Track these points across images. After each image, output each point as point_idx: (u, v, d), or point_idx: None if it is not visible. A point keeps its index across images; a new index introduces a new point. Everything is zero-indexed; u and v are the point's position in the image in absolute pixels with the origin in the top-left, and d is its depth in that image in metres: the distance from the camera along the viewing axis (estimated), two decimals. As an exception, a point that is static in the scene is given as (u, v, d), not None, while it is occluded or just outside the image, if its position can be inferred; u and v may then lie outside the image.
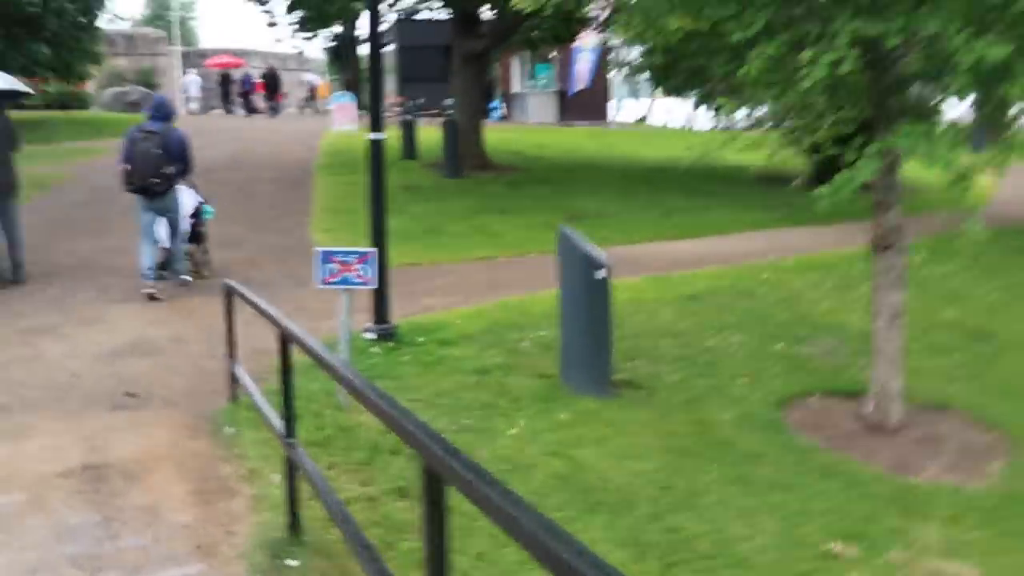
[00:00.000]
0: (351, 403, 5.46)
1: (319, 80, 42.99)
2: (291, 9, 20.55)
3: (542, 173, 17.85)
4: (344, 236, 11.31)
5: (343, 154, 20.56)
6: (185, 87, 36.23)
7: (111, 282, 9.10)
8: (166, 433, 5.27)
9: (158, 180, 8.32)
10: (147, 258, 8.43)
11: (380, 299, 6.99)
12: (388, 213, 12.49)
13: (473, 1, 17.44)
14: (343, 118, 24.97)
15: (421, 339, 7.10)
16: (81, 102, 35.35)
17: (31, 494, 4.50)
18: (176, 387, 6.16)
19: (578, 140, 26.55)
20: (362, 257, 5.59)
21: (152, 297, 8.32)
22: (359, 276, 5.56)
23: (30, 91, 9.72)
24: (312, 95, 41.33)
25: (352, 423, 5.23)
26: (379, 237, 6.98)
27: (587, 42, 30.30)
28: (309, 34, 32.71)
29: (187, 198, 9.29)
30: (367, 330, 6.93)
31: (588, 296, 6.05)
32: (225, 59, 39.48)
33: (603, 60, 32.64)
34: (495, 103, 35.56)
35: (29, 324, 7.53)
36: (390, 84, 36.95)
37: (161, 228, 8.74)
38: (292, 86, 42.24)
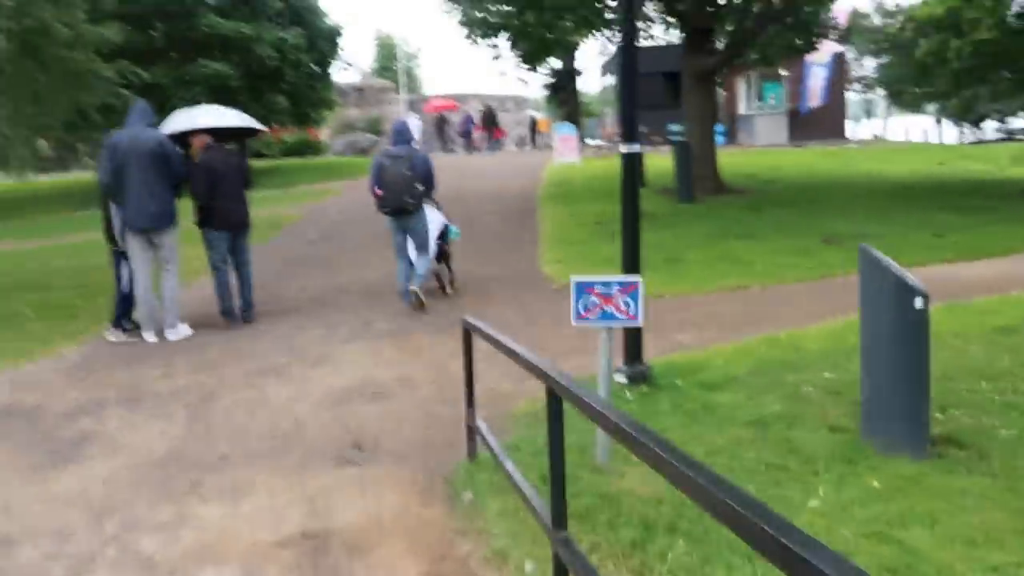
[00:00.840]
0: (611, 465, 4.48)
1: (539, 116, 43.12)
2: (514, 45, 20.24)
3: (782, 194, 16.37)
4: (576, 267, 10.48)
5: (566, 184, 19.94)
6: None
7: (339, 319, 8.66)
8: (396, 496, 4.48)
9: (411, 200, 8.73)
10: (404, 276, 9.02)
11: (634, 335, 6.00)
12: (619, 239, 11.57)
13: (706, 15, 16.33)
14: (566, 150, 24.49)
15: (679, 382, 6.02)
16: (315, 149, 37.11)
17: (244, 567, 3.82)
18: (406, 438, 5.41)
19: (813, 160, 24.70)
20: (626, 288, 4.59)
21: (419, 303, 8.78)
22: (621, 310, 4.57)
23: (263, 128, 9.56)
24: (533, 130, 41.49)
25: (615, 490, 4.24)
26: (633, 264, 5.97)
27: (820, 56, 28.39)
28: (530, 67, 32.72)
29: (434, 218, 9.55)
30: (617, 371, 5.94)
31: (902, 331, 4.76)
32: (440, 102, 40.89)
33: (838, 74, 30.52)
34: (719, 127, 34.07)
35: (256, 365, 7.12)
36: (611, 113, 36.40)
37: (411, 246, 9.12)
38: (510, 125, 42.74)
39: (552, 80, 42.41)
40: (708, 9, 16.46)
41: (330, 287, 10.47)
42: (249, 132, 9.97)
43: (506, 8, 17.82)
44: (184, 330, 8.35)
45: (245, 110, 25.52)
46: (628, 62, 6.18)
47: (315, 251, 13.27)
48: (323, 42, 27.18)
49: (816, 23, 18.97)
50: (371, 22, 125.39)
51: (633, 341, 6.00)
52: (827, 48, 26.83)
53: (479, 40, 30.78)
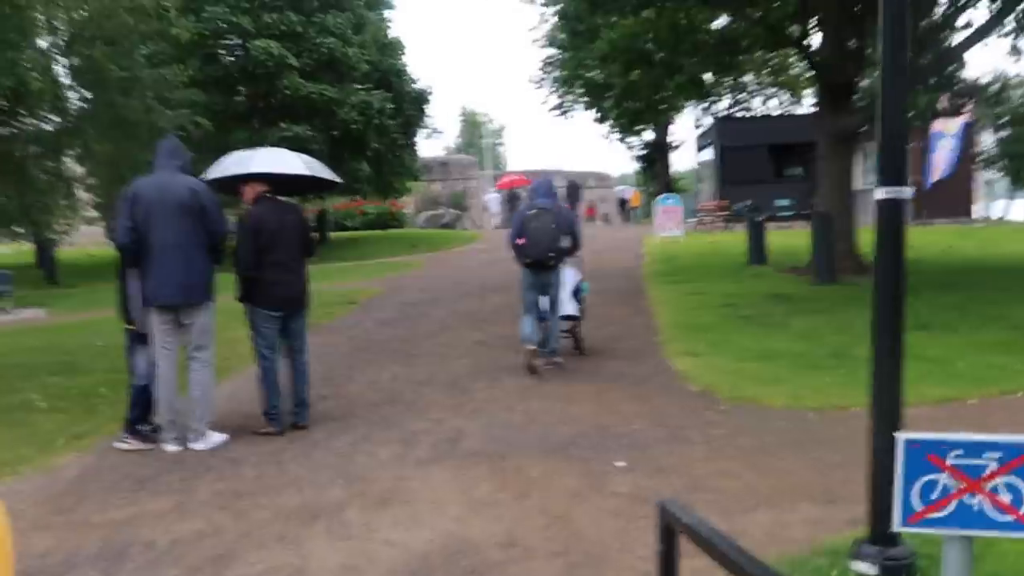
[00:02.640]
0: None
1: (631, 191, 41.26)
2: (618, 104, 18.43)
3: (936, 277, 13.88)
4: (720, 362, 8.26)
5: (673, 261, 17.78)
6: (486, 204, 37.16)
7: (417, 429, 6.58)
8: None
9: (553, 254, 8.43)
10: (529, 329, 8.50)
11: (880, 489, 3.73)
12: (761, 327, 9.19)
13: (845, 66, 14.20)
14: (669, 223, 22.41)
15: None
16: (398, 221, 35.85)
17: None
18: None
19: (946, 239, 22.09)
20: (1010, 461, 2.33)
21: (533, 369, 8.30)
22: (999, 503, 2.33)
23: (337, 180, 7.58)
24: (623, 205, 39.67)
25: None
26: (892, 372, 3.67)
27: (949, 126, 25.86)
28: (628, 133, 31.01)
29: (571, 275, 9.16)
30: (857, 557, 3.65)
31: None
32: (513, 178, 40.44)
33: (967, 146, 27.89)
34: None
35: (301, 500, 5.05)
36: (709, 187, 34.29)
37: (544, 303, 8.72)
38: (596, 201, 41.22)
39: (645, 152, 40.58)
40: (848, 61, 14.31)
41: (408, 381, 8.43)
42: (319, 184, 7.97)
43: (614, 66, 16.02)
44: (215, 438, 6.38)
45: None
46: (896, 53, 3.95)
47: (392, 333, 11.30)
48: (410, 107, 25.83)
49: (960, 83, 16.68)
50: (457, 98, 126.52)
51: (882, 495, 3.70)
52: (957, 118, 24.36)
53: (571, 109, 29.06)
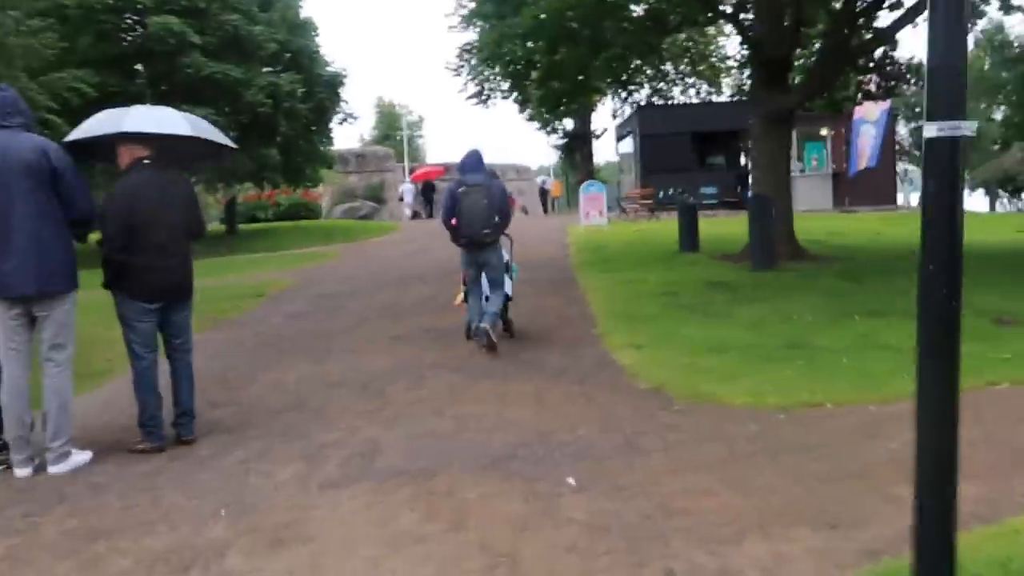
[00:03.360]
0: None
1: (551, 181, 40.49)
2: (542, 83, 17.53)
3: (875, 263, 13.37)
4: (667, 355, 7.43)
5: (602, 250, 16.97)
6: (401, 195, 36.27)
7: (325, 441, 5.55)
8: None
9: (489, 231, 8.18)
10: (477, 315, 8.28)
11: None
12: (705, 317, 8.51)
13: (783, 40, 13.56)
14: (592, 211, 21.65)
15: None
16: (312, 212, 34.48)
17: None
18: None
19: (874, 225, 21.78)
20: None
21: (491, 344, 7.92)
22: None
23: (232, 145, 6.31)
24: (545, 195, 38.92)
25: None
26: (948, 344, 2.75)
27: (871, 113, 25.71)
28: (549, 118, 30.33)
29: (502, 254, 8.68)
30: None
31: None
32: (428, 169, 39.93)
33: (890, 134, 27.87)
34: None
35: (170, 541, 3.99)
36: (631, 177, 33.72)
37: (485, 282, 8.44)
38: (515, 193, 40.50)
39: (565, 141, 39.87)
40: (784, 37, 13.68)
41: (318, 382, 7.37)
42: (210, 151, 6.61)
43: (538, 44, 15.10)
44: (77, 458, 5.25)
45: (235, 163, 22.85)
46: None
47: (303, 328, 10.20)
48: (322, 91, 24.47)
49: (893, 64, 16.28)
50: (374, 88, 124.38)
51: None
52: (877, 105, 24.18)
53: (491, 97, 28.22)
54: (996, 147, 42.87)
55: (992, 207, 43.39)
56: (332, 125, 26.55)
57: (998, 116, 46.85)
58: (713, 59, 38.63)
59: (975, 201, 43.81)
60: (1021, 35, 42.46)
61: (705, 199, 27.25)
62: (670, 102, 38.94)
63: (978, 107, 42.72)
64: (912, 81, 16.78)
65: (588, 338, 8.65)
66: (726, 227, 20.40)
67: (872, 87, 17.02)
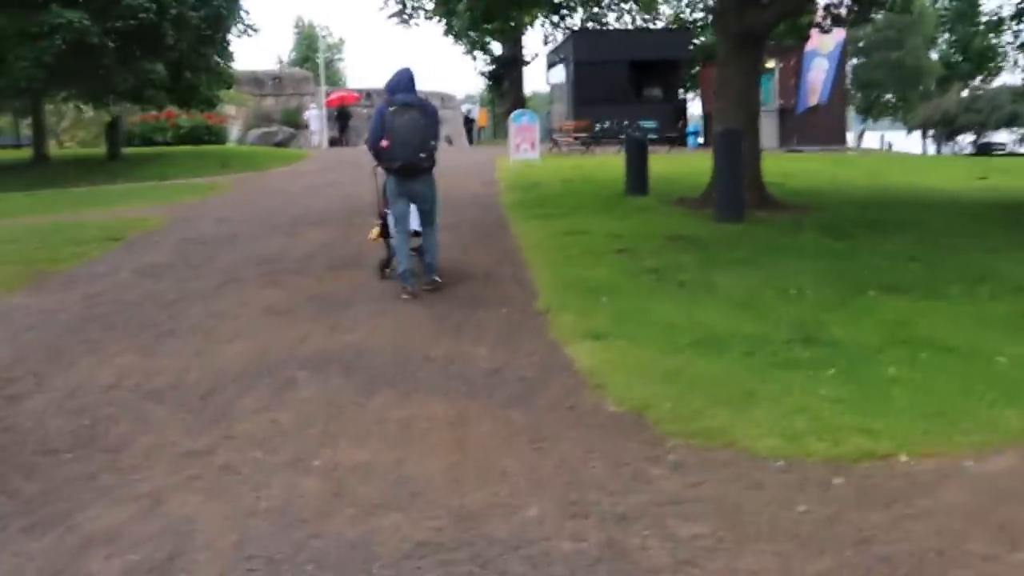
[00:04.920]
0: None
1: (477, 110, 37.75)
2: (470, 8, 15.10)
3: (857, 215, 11.40)
4: (641, 352, 5.32)
5: (536, 188, 14.74)
6: (307, 120, 33.64)
7: (94, 532, 3.28)
8: None
9: (426, 154, 7.20)
10: (405, 263, 7.29)
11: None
12: (679, 288, 6.39)
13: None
14: (524, 143, 19.34)
15: None
16: (216, 137, 31.34)
17: None
18: None
19: (826, 168, 19.96)
20: None
21: (414, 294, 7.07)
22: None
23: None
24: (469, 125, 36.26)
25: None
26: None
27: (824, 44, 23.75)
28: (475, 43, 27.83)
29: None
30: None
31: None
32: (343, 94, 37.29)
33: (842, 68, 25.99)
34: (693, 127, 29.42)
35: None
36: (562, 108, 31.38)
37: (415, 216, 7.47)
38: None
39: (493, 67, 37.18)
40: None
41: (136, 389, 5.04)
42: None
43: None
44: None
45: (111, 78, 19.78)
46: None
47: (150, 290, 7.76)
48: (219, -2, 21.38)
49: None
50: (292, 8, 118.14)
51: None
52: (832, 36, 22.22)
53: (414, 16, 25.41)
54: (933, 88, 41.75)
55: (926, 149, 42.37)
56: (231, 38, 23.44)
57: (934, 55, 45.75)
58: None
59: (911, 142, 42.73)
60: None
61: (648, 133, 25.16)
62: (605, 27, 36.56)
63: (915, 42, 41.39)
64: (887, 5, 14.70)
65: (529, 318, 6.45)
66: (672, 165, 18.33)
67: (843, 11, 14.95)
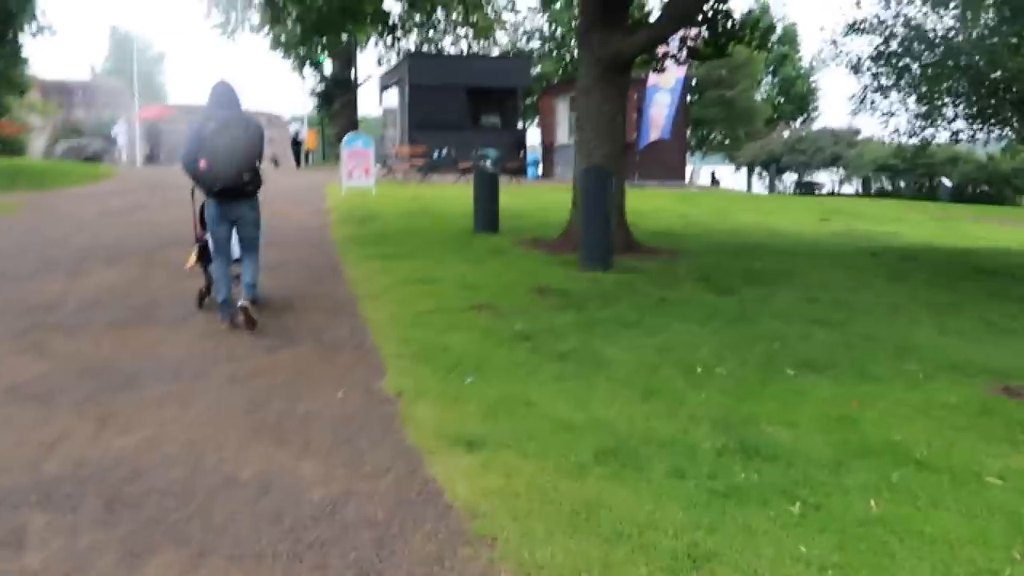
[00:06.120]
0: None
1: (305, 131, 35.58)
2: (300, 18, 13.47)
3: (728, 262, 10.47)
4: (530, 473, 3.85)
5: (373, 221, 13.23)
6: (115, 135, 31.26)
7: None
8: None
9: (249, 176, 6.54)
10: (225, 283, 6.66)
11: None
12: (561, 361, 4.99)
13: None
14: (358, 169, 17.71)
15: None
16: (10, 149, 27.95)
17: None
18: None
19: (672, 205, 19.45)
20: None
21: (249, 321, 6.37)
22: None
23: None
24: (297, 147, 34.06)
25: None
26: None
27: (666, 80, 23.31)
28: (303, 59, 26.26)
29: None
30: None
31: None
32: (159, 110, 35.31)
33: (683, 104, 25.76)
34: (532, 155, 28.59)
35: None
36: (395, 132, 29.84)
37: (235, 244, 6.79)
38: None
39: (324, 87, 35.25)
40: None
41: None
42: None
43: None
44: None
45: None
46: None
47: None
48: (5, -8, 18.65)
49: (730, 22, 13.49)
50: (108, 15, 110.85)
51: None
52: (674, 71, 21.84)
53: (238, 28, 23.44)
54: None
55: (750, 186, 43.45)
56: (22, 39, 20.60)
57: (758, 96, 47.25)
58: (488, 9, 35.40)
59: (738, 179, 43.72)
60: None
61: (493, 163, 24.01)
62: (442, 51, 35.43)
63: (746, 84, 42.52)
64: (745, 39, 14.02)
65: (374, 407, 4.90)
66: (517, 198, 17.15)
67: (699, 43, 14.21)
